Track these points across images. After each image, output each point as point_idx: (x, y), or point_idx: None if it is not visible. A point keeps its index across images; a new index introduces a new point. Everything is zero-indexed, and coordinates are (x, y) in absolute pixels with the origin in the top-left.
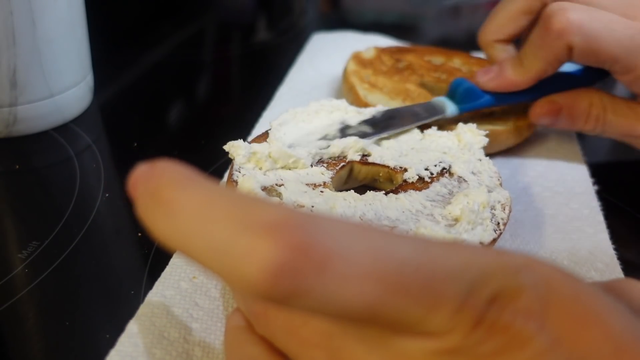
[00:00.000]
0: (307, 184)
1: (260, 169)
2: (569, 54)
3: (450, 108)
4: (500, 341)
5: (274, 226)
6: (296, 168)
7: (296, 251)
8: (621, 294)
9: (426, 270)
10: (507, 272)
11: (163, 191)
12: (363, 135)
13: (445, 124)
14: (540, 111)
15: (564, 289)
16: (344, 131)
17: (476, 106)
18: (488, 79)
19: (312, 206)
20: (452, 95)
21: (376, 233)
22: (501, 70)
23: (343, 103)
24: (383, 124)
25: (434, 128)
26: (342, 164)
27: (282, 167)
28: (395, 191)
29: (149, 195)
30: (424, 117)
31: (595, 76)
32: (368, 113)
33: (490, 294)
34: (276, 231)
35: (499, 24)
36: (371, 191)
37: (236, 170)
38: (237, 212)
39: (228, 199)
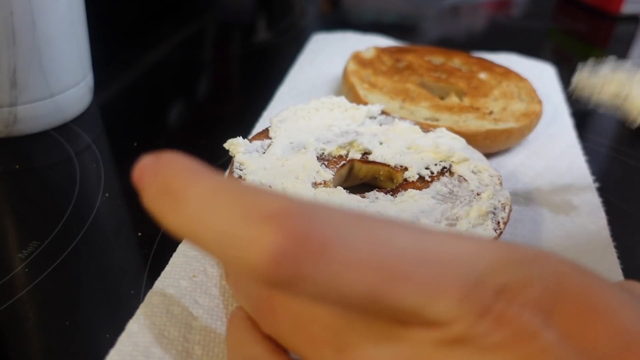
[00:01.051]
0: (308, 183)
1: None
2: None
3: None
4: (507, 333)
5: (276, 215)
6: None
7: (295, 239)
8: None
9: (429, 258)
10: (516, 264)
11: (171, 182)
12: None
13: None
14: None
15: (573, 282)
16: None
17: None
18: None
19: None
20: None
21: (377, 222)
22: None
23: (343, 101)
24: None
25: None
26: (342, 162)
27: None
28: (396, 190)
29: (157, 187)
30: None
31: None
32: None
33: (498, 285)
34: (277, 220)
35: None
36: (372, 190)
37: (236, 168)
38: (242, 203)
39: (233, 190)
